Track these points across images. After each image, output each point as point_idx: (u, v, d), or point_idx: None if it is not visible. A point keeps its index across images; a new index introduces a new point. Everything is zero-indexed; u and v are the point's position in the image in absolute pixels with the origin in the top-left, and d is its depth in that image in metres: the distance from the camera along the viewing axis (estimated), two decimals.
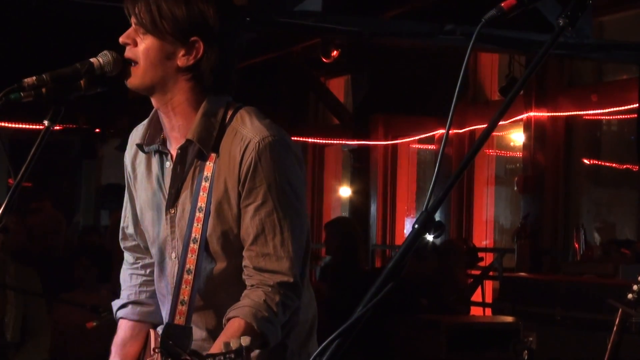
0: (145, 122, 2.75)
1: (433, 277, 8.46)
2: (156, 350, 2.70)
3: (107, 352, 2.87)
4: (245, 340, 2.17)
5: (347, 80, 13.92)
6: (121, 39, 2.60)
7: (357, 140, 13.13)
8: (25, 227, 7.36)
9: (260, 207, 2.57)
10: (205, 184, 2.60)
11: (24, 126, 11.87)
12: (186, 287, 2.61)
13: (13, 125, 12.10)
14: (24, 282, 5.51)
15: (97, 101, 11.15)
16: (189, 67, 2.59)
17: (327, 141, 13.79)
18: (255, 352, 2.56)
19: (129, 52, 2.59)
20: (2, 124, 12.01)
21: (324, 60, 10.68)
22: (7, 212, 2.34)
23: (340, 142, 13.50)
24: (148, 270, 2.85)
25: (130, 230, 2.86)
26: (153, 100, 2.66)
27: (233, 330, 2.46)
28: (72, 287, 6.56)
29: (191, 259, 2.60)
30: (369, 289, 1.81)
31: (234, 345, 2.19)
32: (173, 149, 2.68)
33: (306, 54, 12.23)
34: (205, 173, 2.60)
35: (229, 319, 2.52)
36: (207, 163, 2.60)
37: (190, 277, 2.60)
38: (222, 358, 2.22)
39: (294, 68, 13.17)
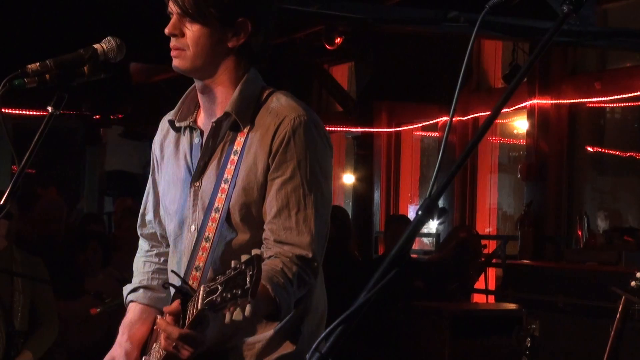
0: (178, 104, 2.77)
1: (437, 261, 8.45)
2: (166, 287, 2.70)
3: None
4: (255, 251, 2.17)
5: (350, 67, 13.88)
6: (167, 31, 2.61)
7: (361, 128, 13.10)
8: (26, 213, 7.36)
9: (287, 181, 2.58)
10: (234, 157, 2.61)
11: (27, 112, 11.85)
12: (203, 253, 2.61)
13: (17, 112, 12.08)
14: (30, 270, 5.49)
15: (100, 87, 11.13)
16: (239, 47, 2.62)
17: (330, 128, 13.74)
18: (269, 333, 2.57)
19: (176, 43, 2.61)
20: (6, 110, 11.99)
21: (328, 47, 10.64)
22: (11, 198, 2.35)
23: (344, 129, 13.47)
24: (162, 259, 2.87)
25: (150, 217, 2.88)
26: (198, 79, 2.67)
27: None
28: (74, 273, 6.57)
29: (211, 227, 2.60)
30: (361, 277, 1.82)
31: (244, 257, 2.18)
32: (206, 125, 2.70)
33: (309, 41, 12.19)
34: (235, 147, 2.62)
35: None
36: (238, 138, 2.62)
37: (208, 244, 2.60)
38: (232, 272, 2.21)
39: (297, 55, 13.12)
